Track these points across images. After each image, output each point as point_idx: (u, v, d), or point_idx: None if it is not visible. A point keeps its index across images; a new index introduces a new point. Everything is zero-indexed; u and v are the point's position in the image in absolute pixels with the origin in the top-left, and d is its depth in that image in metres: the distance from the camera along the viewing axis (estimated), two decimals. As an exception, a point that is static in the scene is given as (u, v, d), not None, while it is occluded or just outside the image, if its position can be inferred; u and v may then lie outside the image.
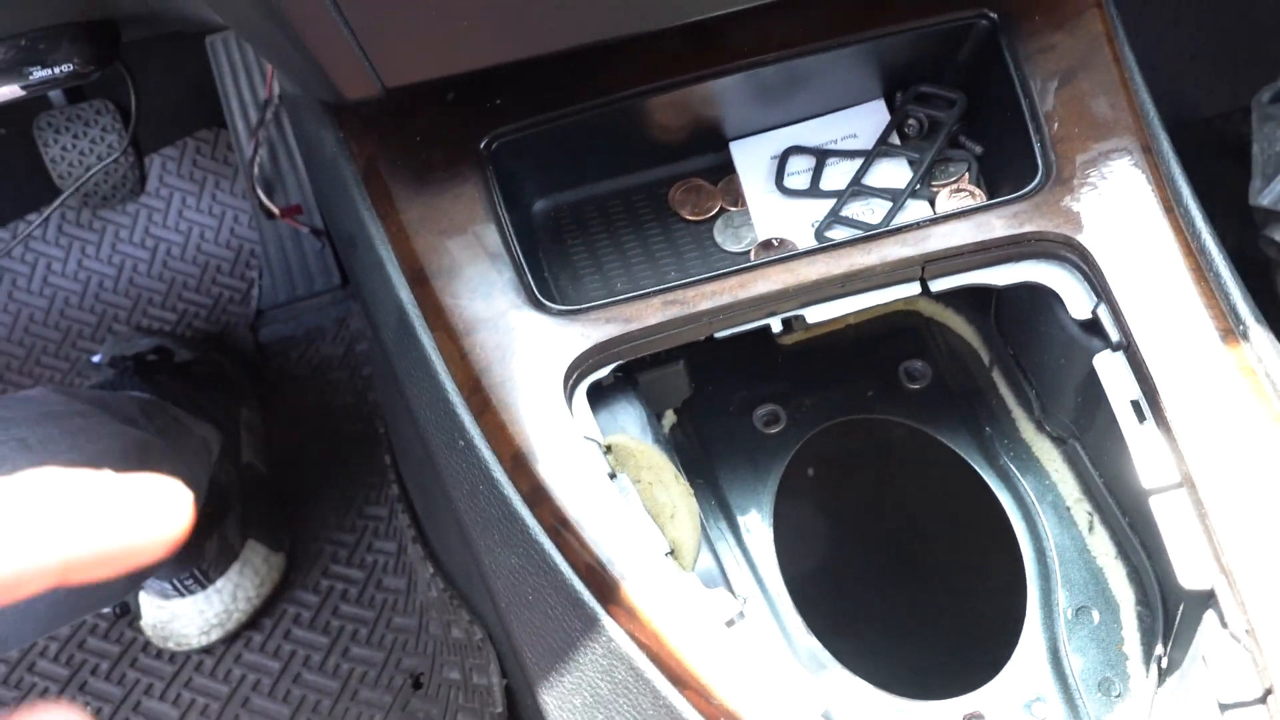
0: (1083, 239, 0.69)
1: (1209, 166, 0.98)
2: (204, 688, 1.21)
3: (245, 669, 1.21)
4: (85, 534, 0.31)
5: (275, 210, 1.57)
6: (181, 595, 1.18)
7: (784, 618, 0.75)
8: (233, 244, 1.69)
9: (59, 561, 0.30)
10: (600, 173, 0.88)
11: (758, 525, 0.80)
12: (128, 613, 1.24)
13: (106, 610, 1.25)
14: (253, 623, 1.23)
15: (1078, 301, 0.69)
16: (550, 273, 0.85)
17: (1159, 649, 0.66)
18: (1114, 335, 0.67)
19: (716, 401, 0.84)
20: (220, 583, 1.19)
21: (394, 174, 0.80)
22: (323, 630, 1.21)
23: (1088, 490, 0.75)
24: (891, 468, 0.87)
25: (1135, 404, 0.65)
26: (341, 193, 0.82)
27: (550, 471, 0.66)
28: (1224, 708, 0.54)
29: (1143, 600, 0.71)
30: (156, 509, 0.32)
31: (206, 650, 1.23)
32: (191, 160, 1.70)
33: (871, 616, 0.86)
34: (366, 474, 1.31)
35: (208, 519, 1.15)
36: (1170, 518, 0.60)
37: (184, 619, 1.20)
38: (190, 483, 1.09)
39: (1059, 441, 0.78)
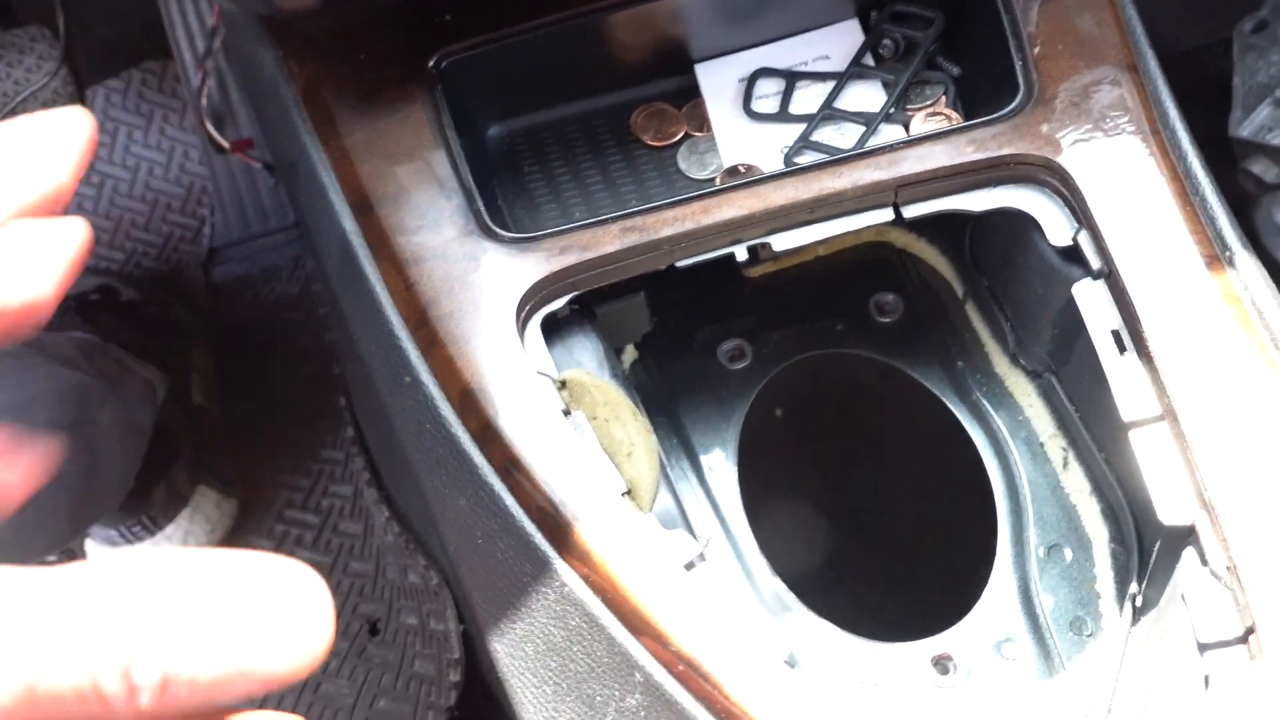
0: (1063, 162, 0.66)
1: (1188, 99, 0.95)
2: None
3: (198, 616, 1.18)
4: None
5: (225, 144, 1.50)
6: (129, 543, 1.15)
7: (747, 559, 0.72)
8: (183, 180, 1.63)
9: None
10: (558, 96, 0.83)
11: (721, 464, 0.77)
12: (73, 560, 1.20)
13: (51, 558, 1.21)
14: (205, 569, 1.20)
15: (1057, 228, 0.66)
16: (505, 201, 0.80)
17: (1133, 587, 0.64)
18: (1095, 263, 0.64)
19: (680, 336, 0.81)
20: (170, 529, 1.15)
21: (337, 95, 0.75)
22: (277, 577, 1.18)
23: (1063, 425, 0.73)
24: (860, 404, 0.84)
25: (1116, 334, 0.62)
26: (281, 116, 0.77)
27: (501, 408, 0.62)
28: (1203, 647, 0.52)
29: (1117, 538, 0.69)
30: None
31: (158, 598, 1.19)
32: (137, 93, 1.63)
33: (838, 557, 0.84)
34: (322, 417, 1.27)
35: (155, 463, 1.11)
36: (1150, 452, 0.58)
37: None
38: (133, 426, 1.04)
39: (1034, 376, 0.75)
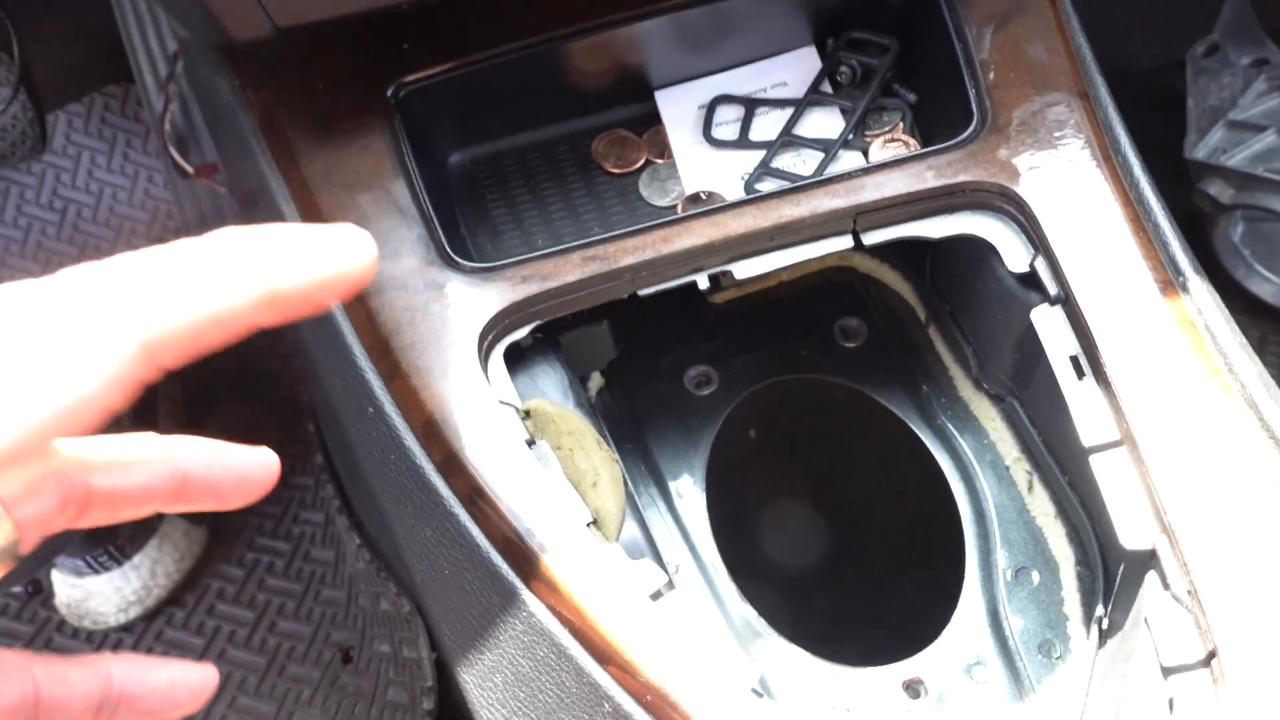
0: (1019, 189, 0.67)
1: (1143, 121, 0.96)
2: (122, 669, 1.15)
3: (166, 646, 1.16)
4: (285, 266, 0.33)
5: (190, 169, 1.49)
6: (96, 572, 1.13)
7: (717, 585, 0.72)
8: (148, 205, 1.61)
9: (265, 291, 0.32)
10: (519, 124, 0.83)
11: (690, 490, 0.77)
12: (40, 591, 1.18)
13: (17, 589, 1.19)
14: (174, 599, 1.18)
15: (1014, 254, 0.67)
16: (467, 229, 0.80)
17: (1099, 610, 0.65)
18: (1052, 289, 0.64)
19: (645, 363, 0.81)
20: (138, 559, 1.14)
21: (294, 125, 0.74)
22: (248, 605, 1.17)
23: (1026, 449, 0.73)
24: (827, 428, 0.84)
25: (1074, 359, 0.63)
26: (239, 145, 0.76)
27: (464, 439, 0.62)
28: (1167, 671, 0.52)
29: (1083, 560, 0.69)
30: (344, 244, 0.34)
31: (125, 628, 1.18)
32: (100, 117, 1.62)
33: (808, 582, 0.84)
34: (291, 443, 1.26)
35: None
36: (1110, 476, 0.58)
37: (100, 596, 1.14)
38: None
39: (997, 400, 0.76)
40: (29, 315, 0.31)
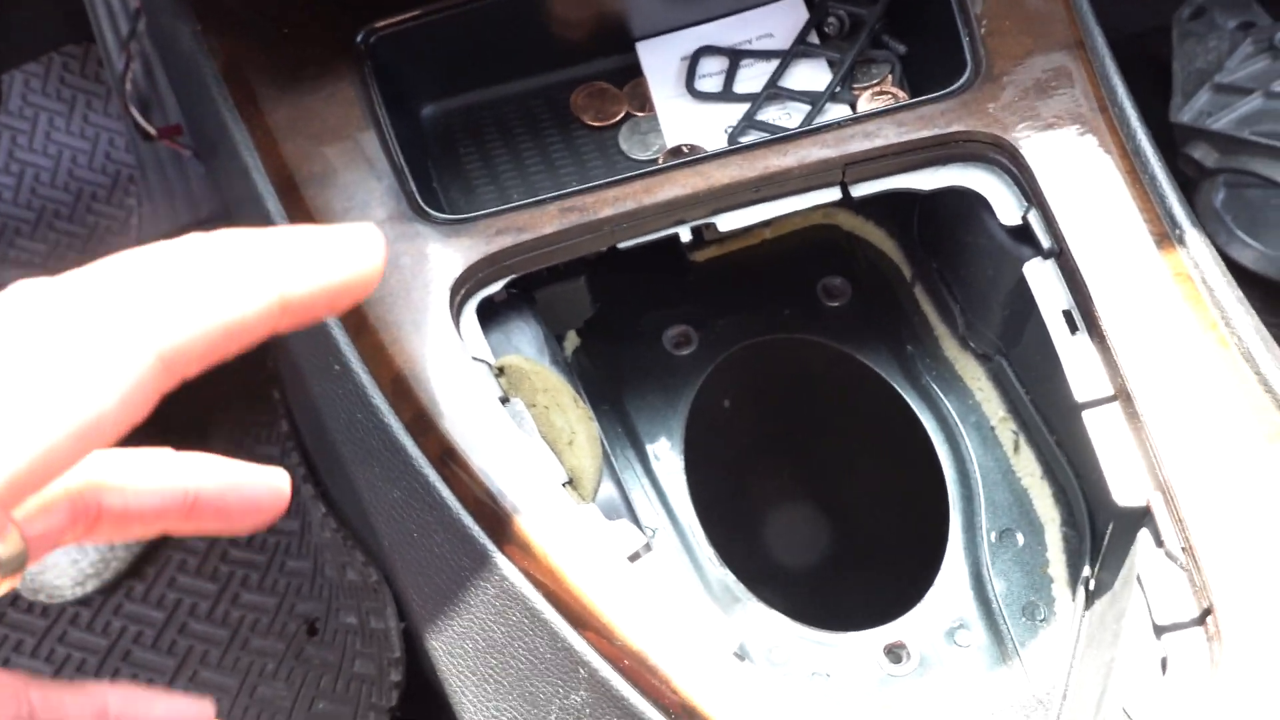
0: (1013, 139, 0.65)
1: (1130, 85, 0.94)
2: (80, 641, 1.12)
3: (126, 620, 1.13)
4: (299, 273, 0.33)
5: (153, 131, 1.44)
6: (51, 545, 1.10)
7: (695, 550, 0.70)
8: (109, 169, 1.57)
9: (279, 298, 0.32)
10: (495, 75, 0.80)
11: (667, 453, 0.75)
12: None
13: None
14: (134, 571, 1.15)
15: (1007, 207, 0.65)
16: (440, 183, 0.77)
17: (1086, 571, 0.63)
18: (1045, 242, 0.63)
19: (624, 322, 0.79)
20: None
21: (259, 72, 0.71)
22: (210, 577, 1.14)
23: (1013, 408, 0.72)
24: (809, 390, 0.82)
25: (1067, 314, 0.61)
26: (201, 94, 0.73)
27: (435, 396, 0.59)
28: (1160, 630, 0.50)
29: (1069, 521, 0.68)
30: (356, 246, 0.34)
31: (83, 602, 1.14)
32: (59, 78, 1.57)
33: (788, 546, 0.82)
34: (256, 411, 1.23)
35: (78, 462, 1.06)
36: (1104, 433, 0.57)
37: (56, 569, 1.11)
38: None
39: (984, 359, 0.74)
40: (41, 328, 0.30)
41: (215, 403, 1.26)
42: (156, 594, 1.14)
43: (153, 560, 1.15)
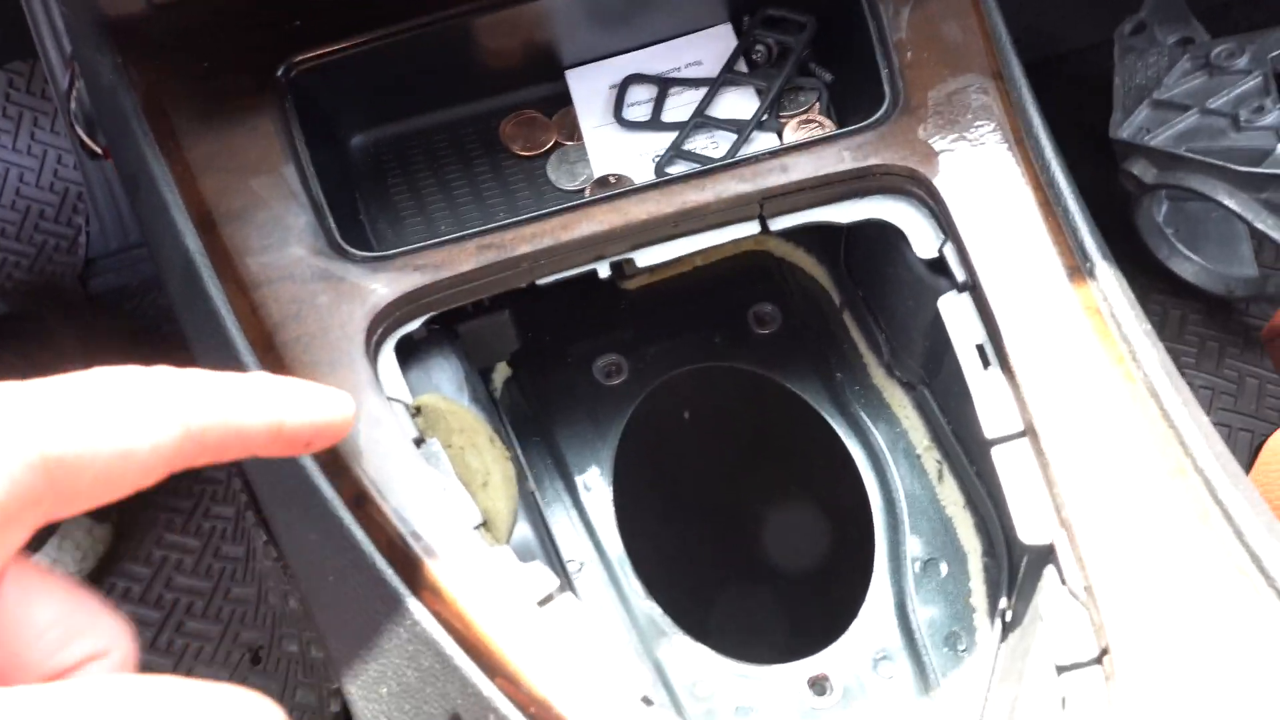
0: (929, 172, 0.65)
1: (1074, 100, 0.95)
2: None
3: (68, 650, 1.12)
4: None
5: (98, 149, 1.43)
6: (-8, 573, 1.08)
7: (622, 582, 0.70)
8: (56, 187, 1.56)
9: (276, 423, 0.36)
10: (423, 104, 0.80)
11: (597, 483, 0.75)
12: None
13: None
14: (78, 599, 1.14)
15: (924, 239, 0.65)
16: (368, 216, 0.77)
17: (1003, 602, 0.63)
18: (959, 275, 0.63)
19: (553, 353, 0.78)
20: (35, 559, 1.09)
21: (178, 106, 0.71)
22: (154, 604, 1.13)
23: (936, 438, 0.72)
24: (739, 418, 0.82)
25: (980, 348, 0.61)
26: (121, 127, 0.72)
27: (351, 438, 0.59)
28: (1060, 669, 0.51)
29: (989, 551, 0.68)
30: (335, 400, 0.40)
31: (27, 630, 1.13)
32: (4, 95, 1.55)
33: (716, 577, 0.82)
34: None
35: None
36: (1011, 469, 0.57)
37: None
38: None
39: (909, 388, 0.74)
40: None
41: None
42: (101, 622, 1.13)
43: (95, 588, 1.14)
